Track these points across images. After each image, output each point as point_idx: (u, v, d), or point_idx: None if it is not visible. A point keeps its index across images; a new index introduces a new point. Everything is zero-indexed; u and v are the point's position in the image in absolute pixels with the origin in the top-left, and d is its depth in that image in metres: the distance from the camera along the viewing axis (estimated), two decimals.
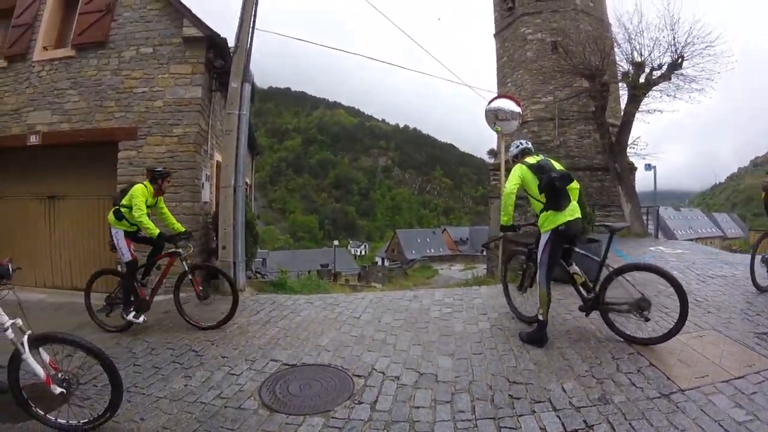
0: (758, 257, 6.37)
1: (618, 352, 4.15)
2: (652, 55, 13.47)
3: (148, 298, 5.60)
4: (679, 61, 13.07)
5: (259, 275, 7.93)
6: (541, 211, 4.50)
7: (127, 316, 5.36)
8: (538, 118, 17.11)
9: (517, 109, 9.88)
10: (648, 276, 4.49)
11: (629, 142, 14.75)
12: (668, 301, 5.66)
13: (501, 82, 19.45)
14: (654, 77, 13.52)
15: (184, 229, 5.81)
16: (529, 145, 5.00)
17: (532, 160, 4.72)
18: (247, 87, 7.81)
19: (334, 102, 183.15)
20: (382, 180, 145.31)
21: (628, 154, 15.16)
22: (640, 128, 17.60)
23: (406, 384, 3.73)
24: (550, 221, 4.40)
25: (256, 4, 7.87)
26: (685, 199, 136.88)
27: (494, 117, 9.66)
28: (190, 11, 7.71)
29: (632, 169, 15.95)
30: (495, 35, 20.18)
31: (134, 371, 4.22)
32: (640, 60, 13.60)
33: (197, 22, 7.64)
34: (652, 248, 11.22)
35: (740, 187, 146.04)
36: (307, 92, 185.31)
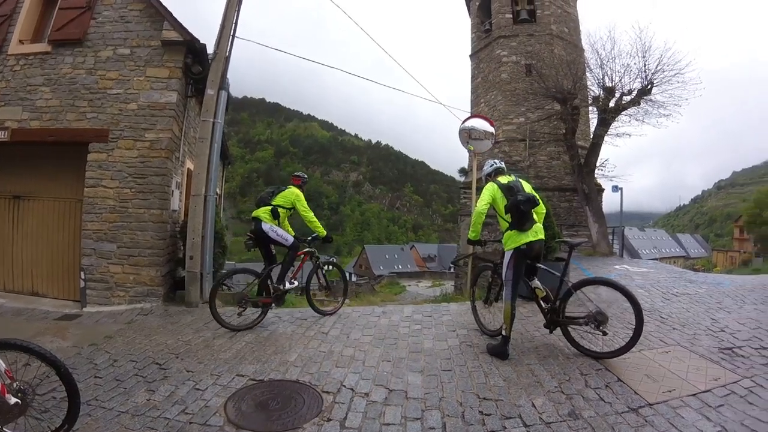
0: None
1: (586, 368, 4.22)
2: (622, 80, 13.82)
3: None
4: (649, 87, 13.46)
5: (226, 287, 7.77)
6: (506, 230, 4.69)
7: (287, 285, 6.17)
8: (510, 139, 17.34)
9: (491, 129, 9.99)
10: (613, 294, 4.69)
11: (597, 164, 15.10)
12: (633, 317, 5.89)
13: (475, 102, 19.73)
14: (624, 102, 13.88)
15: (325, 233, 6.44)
16: (502, 165, 5.17)
17: (504, 180, 4.87)
18: (224, 95, 7.72)
19: (308, 115, 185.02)
20: (353, 195, 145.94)
21: (596, 176, 15.54)
22: (608, 151, 18.12)
23: (376, 401, 3.69)
24: (512, 240, 4.59)
25: (238, 10, 7.82)
26: (650, 220, 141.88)
27: (468, 136, 9.77)
28: (171, 14, 7.61)
29: (600, 190, 16.33)
30: (471, 56, 20.51)
31: (95, 383, 4.07)
32: (611, 85, 13.94)
33: (178, 25, 7.55)
34: (617, 267, 11.44)
35: (704, 209, 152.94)
36: (281, 103, 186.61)
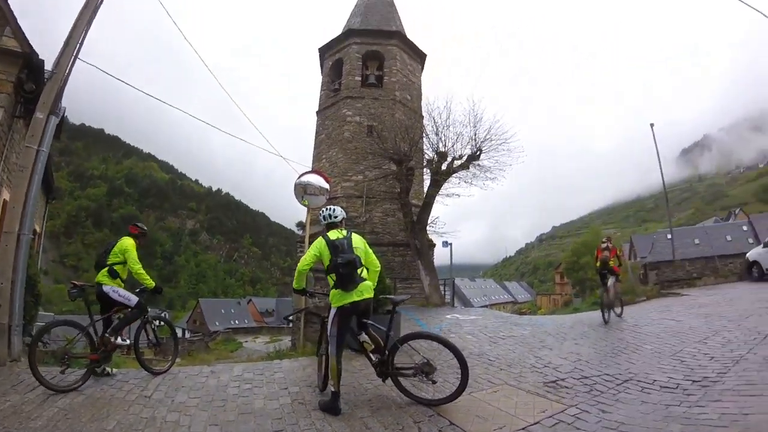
0: None
1: (419, 415, 4.30)
2: (455, 146, 15.32)
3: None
4: (478, 153, 15.15)
5: (41, 343, 6.77)
6: (332, 288, 4.64)
7: (118, 340, 5.73)
8: (348, 195, 18.00)
9: (326, 185, 10.22)
10: (437, 345, 4.84)
11: (429, 221, 16.34)
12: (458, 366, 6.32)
13: (317, 157, 20.28)
14: (455, 166, 15.35)
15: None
16: (337, 216, 5.05)
17: (333, 235, 4.79)
18: (54, 120, 6.83)
19: (149, 153, 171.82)
20: (189, 244, 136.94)
21: (428, 232, 16.74)
22: (439, 209, 19.72)
23: None
24: (336, 299, 4.58)
25: (87, 30, 7.09)
26: (480, 271, 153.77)
27: (303, 191, 9.90)
28: (16, 20, 6.76)
29: (431, 245, 17.54)
30: (318, 112, 21.22)
31: None
32: (444, 150, 15.34)
33: (20, 35, 6.73)
34: (449, 316, 12.14)
35: (528, 259, 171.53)
36: (121, 137, 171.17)
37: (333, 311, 4.63)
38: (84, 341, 5.65)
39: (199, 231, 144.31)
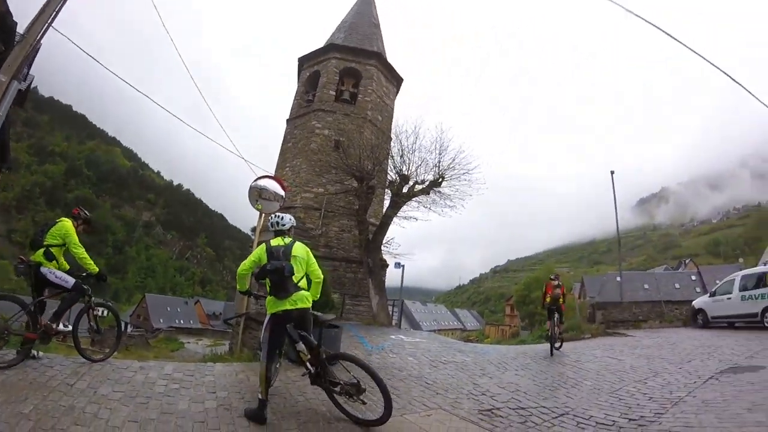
0: None
1: None
2: (418, 170, 15.48)
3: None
4: (440, 180, 15.38)
5: None
6: (268, 294, 4.70)
7: (60, 326, 5.64)
8: (307, 206, 17.97)
9: (281, 192, 10.26)
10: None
11: (384, 241, 16.45)
12: (400, 384, 6.32)
13: (280, 164, 20.23)
14: (416, 190, 15.54)
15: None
16: (286, 225, 5.08)
17: (276, 242, 4.83)
18: (15, 85, 6.61)
19: (114, 138, 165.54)
20: (142, 236, 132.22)
21: (382, 252, 16.83)
22: (397, 231, 19.81)
23: None
24: (270, 306, 4.63)
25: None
26: (432, 296, 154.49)
27: (258, 194, 9.89)
28: None
29: (384, 265, 17.63)
30: (288, 120, 21.23)
31: None
32: (407, 173, 15.50)
33: None
34: (393, 336, 12.14)
35: (480, 289, 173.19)
36: (88, 117, 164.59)
37: (267, 319, 4.66)
38: (23, 320, 5.48)
39: (154, 224, 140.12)
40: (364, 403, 4.58)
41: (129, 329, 60.49)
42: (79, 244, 5.77)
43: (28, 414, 3.92)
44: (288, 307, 4.54)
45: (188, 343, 45.81)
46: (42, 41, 7.01)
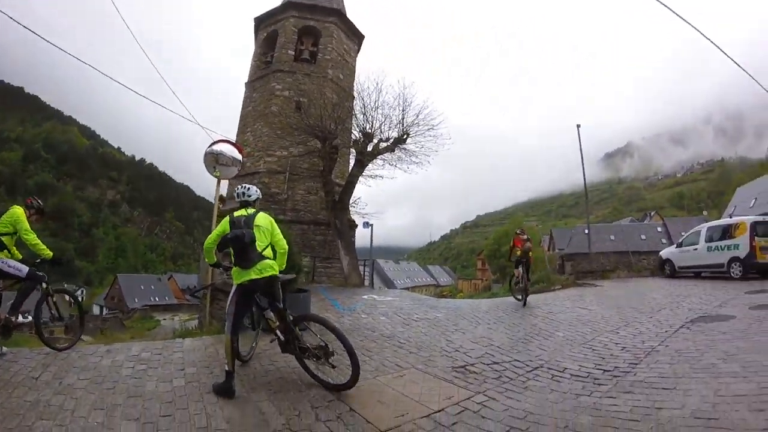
0: None
1: (318, 400, 4.16)
2: (382, 128, 15.32)
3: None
4: (404, 137, 15.24)
5: None
6: (234, 265, 4.63)
7: (20, 318, 5.59)
8: (270, 171, 17.59)
9: (239, 156, 9.88)
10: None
11: (351, 201, 16.31)
12: (373, 345, 6.24)
13: (241, 130, 19.71)
14: (380, 148, 15.39)
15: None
16: (251, 196, 5.02)
17: (239, 213, 4.79)
18: None
19: (69, 117, 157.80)
20: (108, 216, 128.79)
21: (350, 212, 16.69)
22: (365, 191, 19.69)
23: None
24: (236, 276, 4.57)
25: None
26: (405, 254, 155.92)
27: (215, 160, 9.51)
28: None
29: (352, 225, 17.57)
30: (247, 83, 20.57)
31: None
32: (370, 131, 15.30)
33: None
34: (365, 296, 12.18)
35: (451, 245, 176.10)
36: (41, 98, 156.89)
37: (233, 289, 4.63)
38: None
39: (119, 202, 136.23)
40: (333, 366, 4.46)
41: (105, 312, 59.89)
42: (30, 230, 5.59)
43: None
44: (253, 276, 4.48)
45: (164, 319, 45.49)
46: None
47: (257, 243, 4.56)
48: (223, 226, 4.70)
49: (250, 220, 4.68)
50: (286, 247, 4.96)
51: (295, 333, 4.63)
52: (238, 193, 5.03)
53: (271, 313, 4.75)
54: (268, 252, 4.69)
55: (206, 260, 5.00)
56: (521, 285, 10.55)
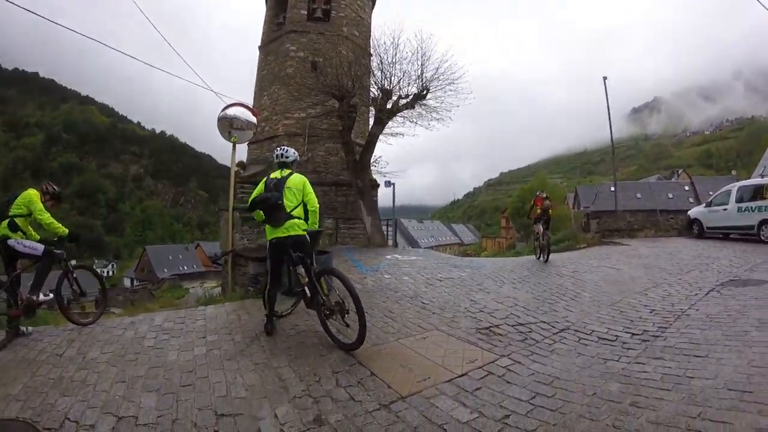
0: None
1: (339, 364, 4.10)
2: (401, 83, 14.90)
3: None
4: (424, 92, 14.82)
5: None
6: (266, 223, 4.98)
7: (41, 297, 5.51)
8: (290, 133, 17.30)
9: (253, 119, 9.69)
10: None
11: (372, 160, 16.06)
12: (395, 306, 6.18)
13: (258, 94, 19.41)
14: (400, 105, 15.01)
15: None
16: (289, 158, 5.30)
17: (274, 174, 5.12)
18: None
19: (87, 96, 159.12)
20: (133, 190, 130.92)
21: (371, 172, 16.46)
22: (385, 149, 19.40)
23: None
24: (268, 233, 5.00)
25: None
26: (428, 213, 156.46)
27: (229, 125, 9.34)
28: None
29: (374, 185, 17.41)
30: (260, 47, 20.12)
31: None
32: (389, 88, 14.90)
33: None
34: (389, 256, 12.05)
35: (475, 203, 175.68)
36: (57, 81, 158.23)
37: (267, 245, 5.05)
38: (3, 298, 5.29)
39: (143, 176, 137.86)
40: (347, 325, 4.45)
41: (135, 284, 61.40)
42: (44, 210, 5.58)
43: (17, 394, 3.67)
44: (281, 234, 4.83)
45: (193, 287, 46.38)
46: None
47: (286, 203, 4.86)
48: (259, 188, 5.06)
49: (281, 182, 4.97)
50: (317, 205, 5.17)
51: (318, 287, 4.73)
52: (276, 155, 5.30)
53: (302, 269, 4.90)
54: (298, 211, 4.94)
55: (255, 217, 5.21)
56: (542, 241, 10.71)
